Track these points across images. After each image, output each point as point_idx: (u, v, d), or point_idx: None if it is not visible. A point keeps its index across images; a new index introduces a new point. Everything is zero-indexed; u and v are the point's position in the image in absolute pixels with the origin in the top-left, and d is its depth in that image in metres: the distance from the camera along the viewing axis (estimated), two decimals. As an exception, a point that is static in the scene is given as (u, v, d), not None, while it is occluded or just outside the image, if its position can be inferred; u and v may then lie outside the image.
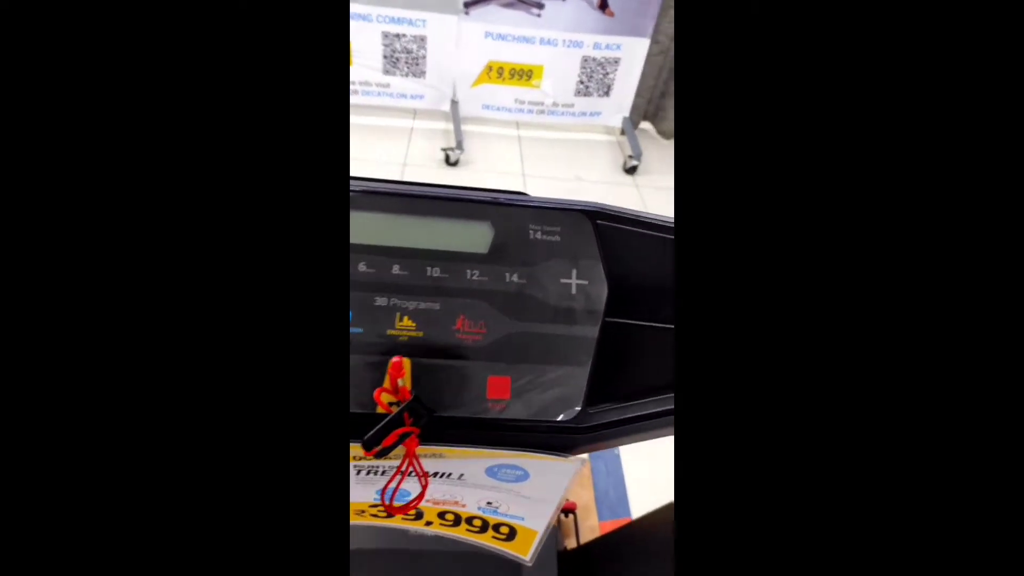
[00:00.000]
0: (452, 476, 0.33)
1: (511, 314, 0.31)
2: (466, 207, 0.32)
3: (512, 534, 0.40)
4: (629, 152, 1.94)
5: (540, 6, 1.80)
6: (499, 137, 2.03)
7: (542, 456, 0.30)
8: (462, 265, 0.31)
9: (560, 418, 0.29)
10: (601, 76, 1.95)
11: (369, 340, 0.29)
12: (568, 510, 0.87)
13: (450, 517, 0.39)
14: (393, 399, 0.28)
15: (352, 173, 0.36)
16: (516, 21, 1.83)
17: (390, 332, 0.29)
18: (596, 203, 0.33)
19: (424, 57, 1.88)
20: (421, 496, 0.31)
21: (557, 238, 0.32)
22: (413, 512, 0.39)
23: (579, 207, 0.33)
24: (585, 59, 1.90)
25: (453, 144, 1.83)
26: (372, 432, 0.26)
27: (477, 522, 0.39)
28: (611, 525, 0.92)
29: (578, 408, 0.30)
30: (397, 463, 0.31)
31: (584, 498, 1.02)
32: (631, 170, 1.93)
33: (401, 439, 0.27)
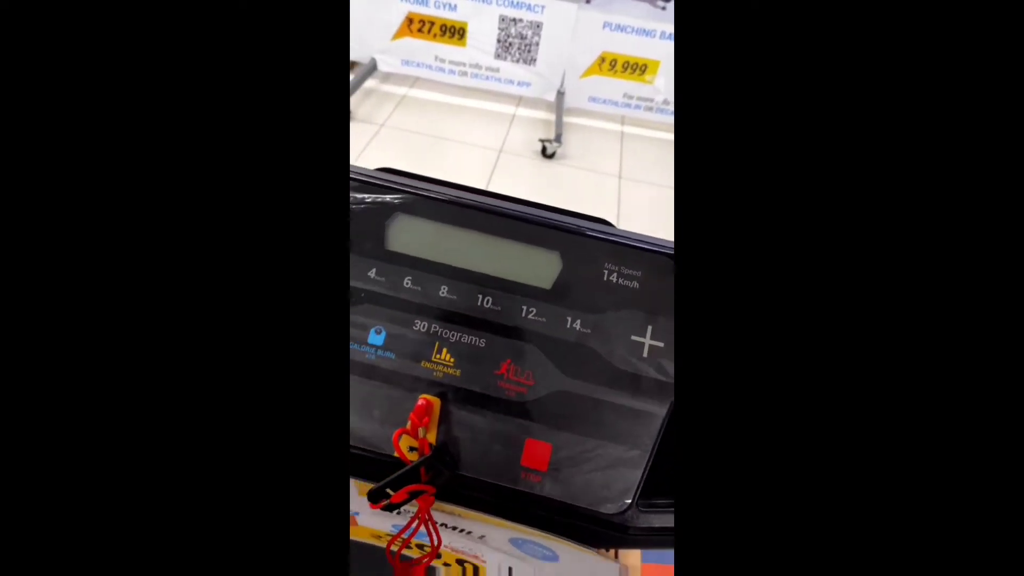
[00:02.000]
0: (472, 534, 0.29)
1: (566, 368, 0.25)
2: (535, 231, 0.27)
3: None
4: (741, 165, 1.77)
5: (667, -2, 1.68)
6: (600, 133, 1.94)
7: (577, 547, 0.25)
8: (519, 299, 0.26)
9: (604, 510, 0.24)
10: (723, 79, 1.79)
11: (399, 369, 0.25)
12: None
13: (470, 571, 0.36)
14: (413, 444, 0.24)
15: (420, 172, 0.32)
16: (638, 12, 1.72)
17: (425, 364, 0.26)
18: None
19: (537, 44, 1.84)
20: (432, 554, 0.27)
21: (635, 284, 0.26)
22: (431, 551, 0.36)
23: (668, 249, 0.27)
24: (708, 59, 1.75)
25: (552, 136, 1.77)
26: (380, 484, 0.23)
27: (497, 579, 0.35)
28: (653, 569, 0.85)
29: (628, 501, 0.24)
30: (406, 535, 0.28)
31: (632, 559, 0.95)
32: (740, 185, 1.76)
33: (412, 496, 0.23)
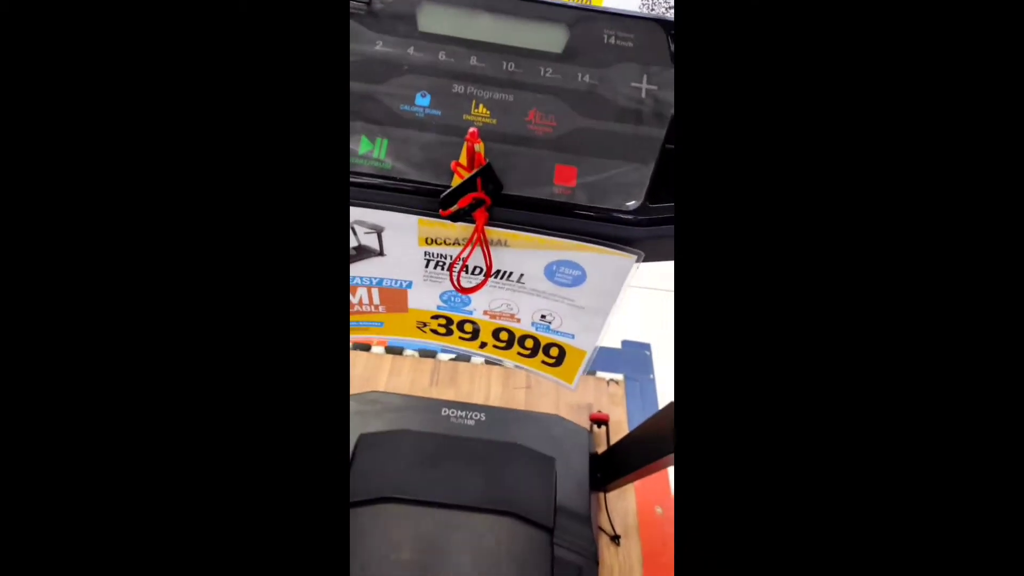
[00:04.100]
0: (512, 277, 0.35)
1: (581, 111, 0.31)
2: (543, 8, 0.33)
3: (560, 357, 0.42)
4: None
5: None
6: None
7: (601, 249, 0.31)
8: (537, 62, 0.32)
9: (624, 207, 0.30)
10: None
11: (446, 123, 0.31)
12: (602, 421, 0.91)
13: (504, 336, 0.42)
14: (468, 172, 0.30)
15: None
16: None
17: (466, 117, 0.31)
18: (671, 18, 0.33)
19: None
20: (487, 276, 0.33)
21: (630, 44, 0.32)
22: (471, 331, 0.42)
23: (654, 18, 0.33)
24: None
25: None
26: (448, 191, 0.28)
27: (529, 343, 0.42)
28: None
29: (639, 201, 0.30)
30: (465, 254, 0.33)
31: (617, 414, 1.05)
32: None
33: (474, 205, 0.29)
